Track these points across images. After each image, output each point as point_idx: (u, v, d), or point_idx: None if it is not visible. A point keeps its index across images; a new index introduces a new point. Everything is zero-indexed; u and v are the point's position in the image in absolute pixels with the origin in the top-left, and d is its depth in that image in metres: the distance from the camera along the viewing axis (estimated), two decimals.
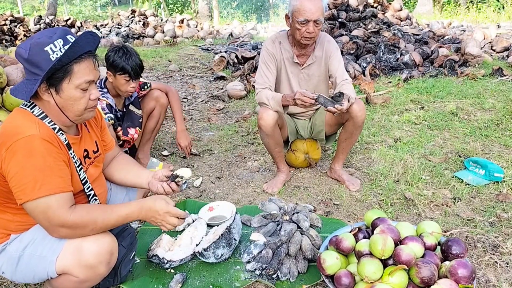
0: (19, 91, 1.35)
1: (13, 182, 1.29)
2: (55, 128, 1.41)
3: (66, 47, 1.32)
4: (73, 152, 1.47)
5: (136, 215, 1.49)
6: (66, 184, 1.37)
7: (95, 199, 1.59)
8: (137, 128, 2.77)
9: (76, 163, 1.48)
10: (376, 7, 7.57)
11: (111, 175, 1.82)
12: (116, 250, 1.48)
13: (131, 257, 1.69)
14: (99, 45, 1.48)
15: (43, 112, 1.40)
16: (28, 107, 1.40)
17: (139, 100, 2.84)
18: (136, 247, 1.74)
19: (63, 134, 1.43)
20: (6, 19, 11.90)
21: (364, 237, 1.65)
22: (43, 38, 1.32)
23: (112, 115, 2.54)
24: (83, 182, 1.52)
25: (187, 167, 2.07)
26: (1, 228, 1.47)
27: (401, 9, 8.27)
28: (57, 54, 1.31)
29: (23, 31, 11.77)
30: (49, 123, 1.40)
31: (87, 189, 1.55)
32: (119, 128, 2.66)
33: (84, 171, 1.53)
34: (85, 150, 1.57)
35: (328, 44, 2.56)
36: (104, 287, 1.66)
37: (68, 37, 1.34)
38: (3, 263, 1.47)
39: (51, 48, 1.30)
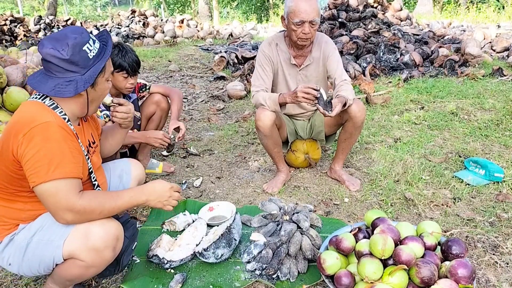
0: (57, 90, 1.40)
1: (28, 165, 1.33)
2: (65, 118, 1.47)
3: (96, 45, 1.46)
4: (80, 141, 1.53)
5: (139, 197, 1.52)
6: (77, 170, 1.41)
7: (99, 189, 1.64)
8: (135, 130, 2.76)
9: (84, 152, 1.54)
10: (376, 7, 7.57)
11: (107, 146, 1.89)
12: (121, 236, 1.50)
13: (133, 248, 1.72)
14: None
15: (54, 103, 1.46)
16: (38, 99, 1.46)
17: (139, 102, 2.83)
18: (137, 239, 1.76)
19: (71, 124, 1.49)
20: (6, 19, 11.91)
21: (364, 237, 1.65)
22: (78, 38, 1.41)
23: (108, 113, 2.52)
24: (89, 170, 1.57)
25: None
26: (11, 218, 1.49)
27: (401, 9, 8.28)
28: (93, 52, 1.44)
29: (23, 31, 11.77)
30: (59, 113, 1.45)
31: (92, 178, 1.60)
32: None
33: (89, 160, 1.58)
34: (87, 141, 1.64)
35: (326, 44, 2.55)
36: (105, 276, 1.69)
37: (91, 36, 1.47)
38: (10, 254, 1.49)
39: (88, 48, 1.42)
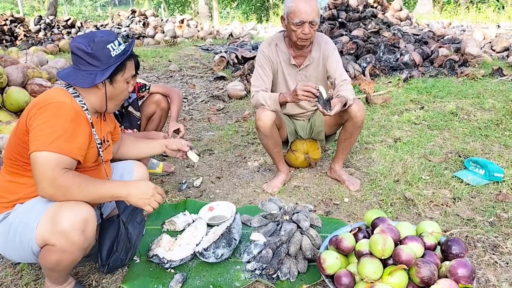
0: (78, 80, 1.55)
1: (32, 132, 1.43)
2: (84, 107, 1.59)
3: (121, 47, 1.60)
4: (95, 131, 1.64)
5: (121, 190, 1.53)
6: (73, 151, 1.47)
7: (109, 179, 1.74)
8: (135, 129, 2.77)
9: (97, 141, 1.65)
10: (376, 7, 7.58)
11: (125, 154, 2.04)
12: (92, 219, 1.47)
13: (143, 233, 1.81)
14: None
15: (76, 92, 1.60)
16: (63, 87, 1.60)
17: (138, 102, 2.84)
18: (144, 225, 1.84)
19: (88, 114, 1.61)
20: (6, 19, 11.91)
21: (364, 237, 1.65)
22: (104, 37, 1.56)
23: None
24: (99, 157, 1.68)
25: (198, 155, 2.20)
26: (14, 193, 1.54)
27: (401, 9, 8.28)
28: (116, 52, 1.57)
29: (23, 31, 11.77)
30: (79, 101, 1.58)
31: (103, 161, 1.70)
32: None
33: (101, 151, 1.69)
34: (102, 136, 1.74)
35: (325, 45, 2.55)
36: (116, 266, 1.78)
37: (119, 39, 1.63)
38: (0, 233, 1.52)
39: (112, 47, 1.56)
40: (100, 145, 1.66)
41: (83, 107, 1.58)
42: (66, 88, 1.60)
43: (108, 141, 1.80)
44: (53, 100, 1.48)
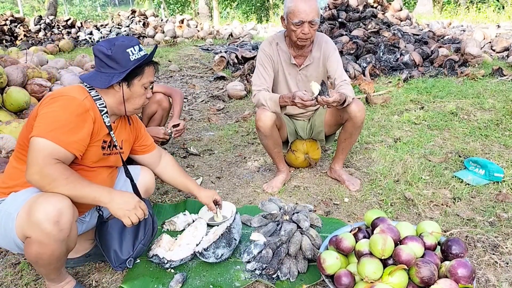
0: (96, 81, 1.63)
1: (38, 118, 1.50)
2: (103, 110, 1.65)
3: (141, 53, 1.66)
4: (113, 134, 1.72)
5: (104, 196, 1.52)
6: (71, 144, 1.50)
7: (126, 185, 1.84)
8: None
9: (116, 143, 1.74)
10: (376, 7, 7.57)
11: (161, 173, 2.12)
12: (66, 211, 1.44)
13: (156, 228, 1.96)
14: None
15: (98, 95, 1.65)
16: (86, 87, 1.66)
17: None
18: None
19: (108, 117, 1.67)
20: (6, 19, 11.91)
21: (364, 237, 1.65)
22: (125, 42, 1.63)
23: None
24: (103, 154, 1.71)
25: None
26: (13, 179, 1.56)
27: (401, 9, 8.27)
28: (135, 56, 1.63)
29: (23, 31, 11.77)
30: (100, 104, 1.64)
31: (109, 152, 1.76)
32: None
33: (107, 154, 1.75)
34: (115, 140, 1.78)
35: (326, 45, 2.55)
36: (136, 257, 1.84)
37: (140, 46, 1.69)
38: None
39: (131, 51, 1.62)
40: (108, 148, 1.72)
41: (103, 110, 1.64)
42: (89, 90, 1.65)
43: (121, 148, 1.82)
44: (66, 94, 1.54)
